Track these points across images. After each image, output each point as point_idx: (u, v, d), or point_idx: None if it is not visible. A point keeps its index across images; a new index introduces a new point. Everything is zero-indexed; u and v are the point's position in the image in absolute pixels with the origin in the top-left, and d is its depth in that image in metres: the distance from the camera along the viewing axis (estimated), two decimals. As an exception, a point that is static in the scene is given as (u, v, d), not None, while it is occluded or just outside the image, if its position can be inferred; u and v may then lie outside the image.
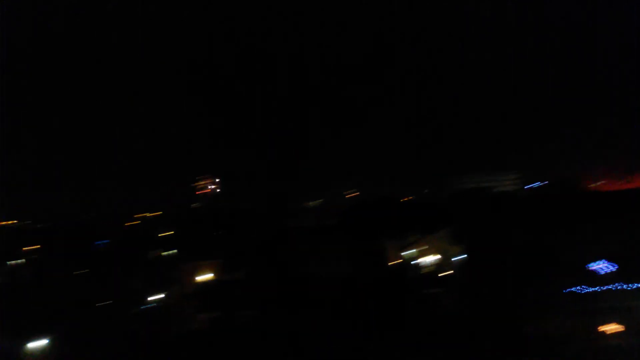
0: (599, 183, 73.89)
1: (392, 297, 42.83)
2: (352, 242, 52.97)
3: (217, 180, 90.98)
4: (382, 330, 36.16)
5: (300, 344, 33.38)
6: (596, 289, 36.07)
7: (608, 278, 36.67)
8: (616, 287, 35.69)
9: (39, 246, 58.01)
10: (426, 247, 54.10)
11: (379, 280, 46.55)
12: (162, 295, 44.81)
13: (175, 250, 57.04)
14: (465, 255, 50.15)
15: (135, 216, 76.69)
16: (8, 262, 50.16)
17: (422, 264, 52.18)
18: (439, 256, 52.62)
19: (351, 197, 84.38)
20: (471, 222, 53.80)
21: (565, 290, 36.56)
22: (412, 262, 52.44)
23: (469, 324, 37.25)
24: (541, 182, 77.67)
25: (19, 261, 51.94)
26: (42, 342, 30.07)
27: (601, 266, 36.85)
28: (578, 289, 36.44)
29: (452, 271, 49.50)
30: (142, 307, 42.48)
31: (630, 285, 35.42)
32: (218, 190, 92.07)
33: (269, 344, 33.43)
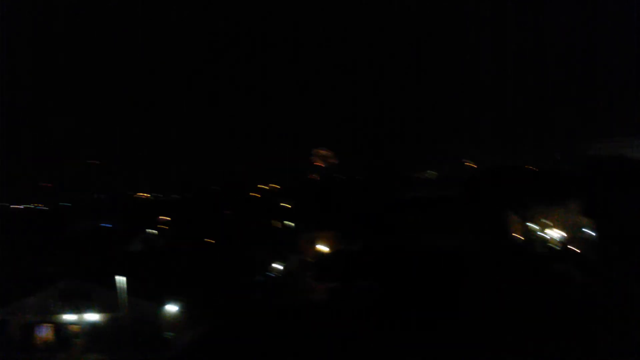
0: None
1: (516, 273, 40.90)
2: (474, 214, 51.14)
3: (333, 152, 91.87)
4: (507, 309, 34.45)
5: (417, 315, 32.87)
6: None
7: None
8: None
9: (169, 218, 62.63)
10: (554, 221, 51.06)
11: (503, 255, 44.72)
12: (283, 266, 46.47)
13: (293, 223, 58.77)
14: (596, 233, 46.65)
15: (258, 186, 79.65)
16: (146, 231, 54.31)
17: (549, 238, 49.40)
18: (566, 232, 49.48)
19: (469, 166, 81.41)
20: (606, 196, 49.65)
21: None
22: (538, 236, 49.89)
23: (598, 309, 34.48)
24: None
25: (154, 231, 56.12)
26: (173, 307, 32.36)
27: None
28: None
29: (579, 250, 46.35)
30: (265, 275, 44.38)
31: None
32: (334, 162, 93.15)
33: (385, 316, 33.37)
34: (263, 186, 79.24)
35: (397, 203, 61.13)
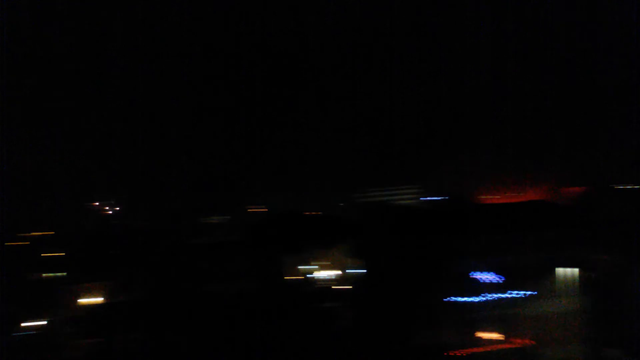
0: (493, 197, 77.71)
1: (287, 312, 43.02)
2: (254, 258, 52.89)
3: (116, 198, 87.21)
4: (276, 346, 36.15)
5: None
6: (478, 298, 37.96)
7: (490, 288, 38.30)
8: (496, 296, 37.73)
9: None
10: (327, 262, 54.89)
11: (277, 296, 46.75)
12: (44, 321, 42.18)
13: (64, 273, 54.07)
14: (365, 270, 51.20)
15: (20, 235, 71.87)
16: None
17: (321, 278, 52.80)
18: (338, 271, 53.48)
19: (258, 212, 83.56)
20: (371, 235, 54.98)
21: (449, 299, 38.07)
22: (310, 277, 52.98)
23: (363, 336, 38.00)
24: (440, 196, 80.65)
25: None
26: None
27: (487, 277, 38.56)
28: (463, 299, 38.08)
29: (350, 286, 50.45)
30: (16, 334, 39.73)
31: (508, 294, 37.59)
32: (116, 208, 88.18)
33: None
34: (32, 233, 71.81)
35: (179, 249, 60.14)
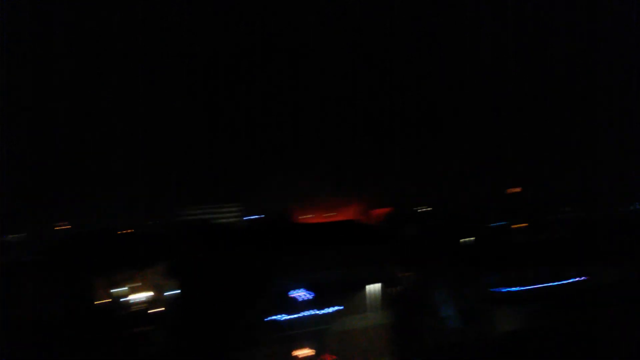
0: (308, 216, 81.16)
1: (98, 338, 39.89)
2: (58, 280, 48.02)
3: None
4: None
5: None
6: (294, 316, 38.86)
7: (304, 305, 39.32)
8: (310, 313, 38.98)
9: None
10: (139, 283, 51.95)
11: (86, 321, 43.18)
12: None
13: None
14: (179, 290, 49.41)
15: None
16: None
17: (133, 301, 49.83)
18: (151, 292, 50.94)
19: (61, 229, 76.46)
20: (188, 255, 53.45)
21: (269, 318, 38.39)
22: (122, 300, 49.71)
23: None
24: (259, 214, 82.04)
25: None
26: None
27: (300, 294, 39.44)
28: (279, 317, 38.65)
29: (163, 308, 48.36)
30: None
31: (321, 310, 39.09)
32: None
33: None
34: None
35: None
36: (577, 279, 42.26)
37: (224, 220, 77.65)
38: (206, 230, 67.16)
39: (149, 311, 47.75)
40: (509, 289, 41.78)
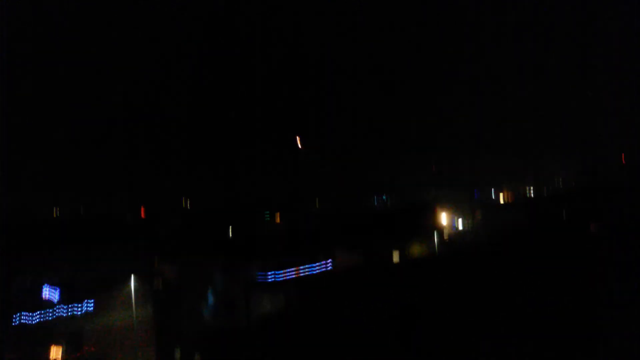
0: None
1: None
2: None
3: None
4: None
5: None
6: (45, 314, 36.12)
7: (55, 303, 37.10)
8: (62, 311, 36.62)
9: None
10: None
11: None
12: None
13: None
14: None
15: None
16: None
17: None
18: None
19: None
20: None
21: (16, 322, 35.25)
22: None
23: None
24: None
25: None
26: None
27: (48, 292, 37.05)
28: (28, 319, 35.63)
29: None
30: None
31: (73, 308, 36.94)
32: None
33: None
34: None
35: None
36: (325, 264, 47.59)
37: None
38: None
39: None
40: (268, 276, 44.78)
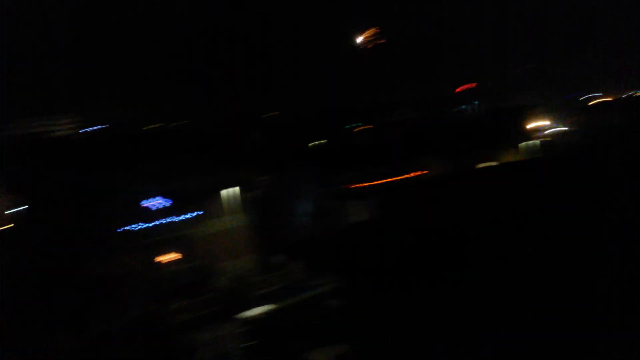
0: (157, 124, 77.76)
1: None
2: None
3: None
4: None
5: None
6: (150, 224, 38.64)
7: (160, 213, 39.17)
8: (168, 220, 39.05)
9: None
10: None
11: None
12: None
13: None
14: (26, 206, 46.12)
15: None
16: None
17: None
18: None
19: None
20: (27, 170, 49.37)
21: (121, 229, 37.77)
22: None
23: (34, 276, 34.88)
24: (101, 125, 76.90)
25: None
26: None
27: (155, 202, 39.07)
28: (134, 227, 38.17)
29: (11, 224, 45.15)
30: None
31: (180, 217, 39.34)
32: None
33: None
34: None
35: None
36: (417, 173, 47.31)
37: (61, 134, 71.67)
38: (43, 144, 61.97)
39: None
40: (356, 186, 45.42)
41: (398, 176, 46.35)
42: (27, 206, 45.14)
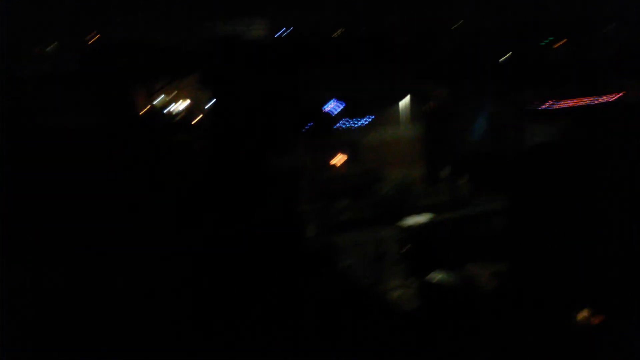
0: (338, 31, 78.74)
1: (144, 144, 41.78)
2: (96, 89, 49.29)
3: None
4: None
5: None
6: (329, 126, 40.10)
7: (337, 117, 40.18)
8: (343, 123, 40.18)
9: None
10: (175, 92, 53.37)
11: (129, 129, 44.92)
12: None
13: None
14: (215, 100, 50.79)
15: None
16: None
17: (174, 110, 51.74)
18: (188, 101, 52.57)
19: (93, 41, 76.15)
20: (219, 68, 53.78)
21: (303, 129, 39.68)
22: (162, 109, 51.62)
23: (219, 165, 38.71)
24: (287, 28, 79.78)
25: None
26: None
27: (332, 106, 40.09)
28: (310, 127, 39.84)
29: (201, 115, 50.08)
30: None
31: (354, 121, 40.24)
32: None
33: None
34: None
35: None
36: (613, 95, 41.94)
37: (252, 37, 76.05)
38: (235, 46, 66.40)
39: (189, 121, 49.84)
40: (543, 105, 41.83)
41: (594, 97, 41.52)
42: (215, 101, 49.83)
